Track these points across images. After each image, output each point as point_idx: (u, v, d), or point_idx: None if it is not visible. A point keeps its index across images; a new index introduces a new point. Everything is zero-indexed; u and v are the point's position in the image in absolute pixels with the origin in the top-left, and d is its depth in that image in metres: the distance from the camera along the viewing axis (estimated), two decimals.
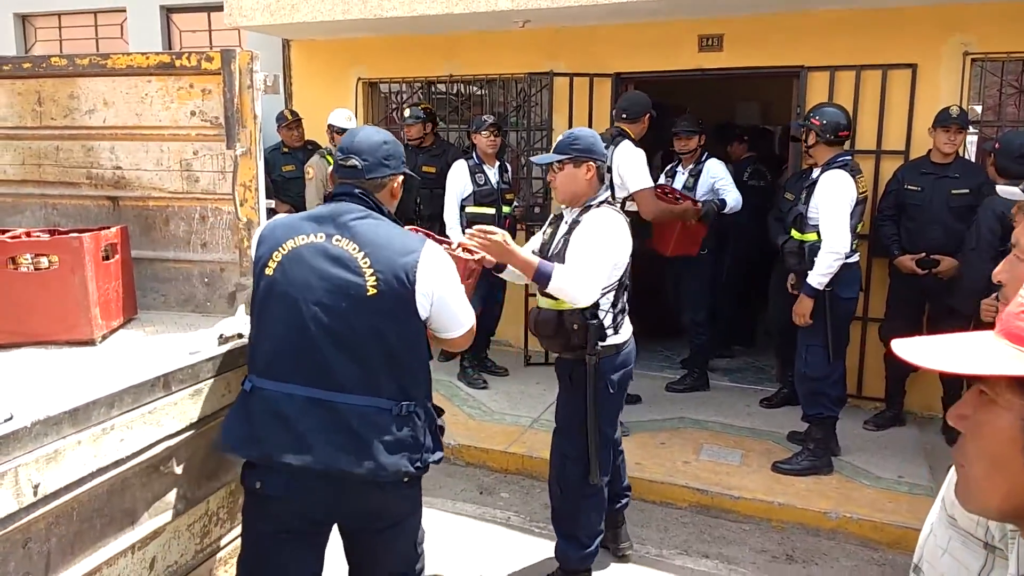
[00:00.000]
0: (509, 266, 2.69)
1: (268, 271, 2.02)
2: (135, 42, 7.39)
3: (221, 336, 2.27)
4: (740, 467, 4.18)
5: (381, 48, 6.25)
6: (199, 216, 2.75)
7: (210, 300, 2.78)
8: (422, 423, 2.03)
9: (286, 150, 6.22)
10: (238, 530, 2.26)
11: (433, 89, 6.52)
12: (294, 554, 2.06)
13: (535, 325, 2.96)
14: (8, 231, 2.49)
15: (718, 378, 5.61)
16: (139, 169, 2.75)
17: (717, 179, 5.07)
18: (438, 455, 2.09)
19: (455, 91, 6.43)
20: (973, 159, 4.81)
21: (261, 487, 2.01)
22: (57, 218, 2.86)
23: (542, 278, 2.67)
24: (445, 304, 2.06)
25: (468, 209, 5.13)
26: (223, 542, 2.34)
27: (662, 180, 5.24)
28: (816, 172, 4.02)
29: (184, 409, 2.06)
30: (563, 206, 3.01)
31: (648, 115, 4.49)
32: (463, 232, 4.52)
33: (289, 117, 6.18)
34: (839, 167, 3.89)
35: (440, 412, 2.16)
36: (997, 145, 4.05)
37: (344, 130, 5.36)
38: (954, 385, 4.30)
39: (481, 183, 5.13)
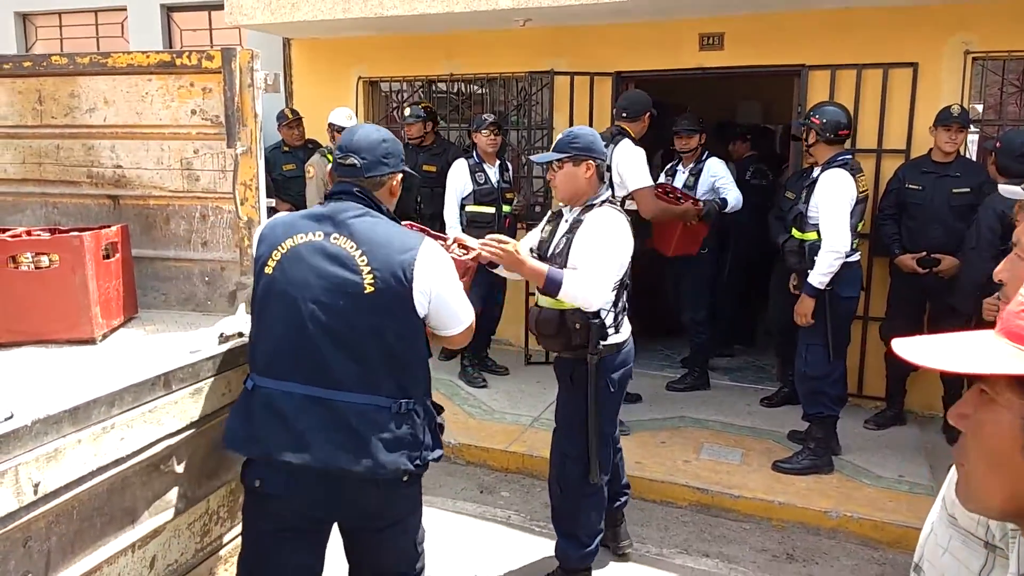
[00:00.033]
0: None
1: (268, 270, 2.02)
2: (136, 41, 7.39)
3: (221, 335, 2.27)
4: (740, 466, 4.18)
5: (382, 47, 6.25)
6: (200, 215, 2.75)
7: (211, 299, 2.78)
8: (421, 421, 2.03)
9: (287, 149, 6.22)
10: (238, 529, 2.27)
11: (434, 88, 6.53)
12: (294, 553, 2.07)
13: (536, 324, 2.95)
14: (9, 230, 2.49)
15: (718, 377, 5.60)
16: (140, 168, 2.75)
17: (717, 178, 5.07)
18: (438, 453, 2.09)
19: (456, 90, 6.43)
20: (974, 158, 4.80)
21: (261, 485, 2.01)
22: (58, 217, 2.86)
23: (553, 286, 2.67)
24: (443, 301, 2.06)
25: (468, 208, 5.13)
26: (223, 541, 2.34)
27: (662, 179, 5.24)
28: (816, 171, 4.02)
29: (184, 408, 2.06)
30: (563, 204, 3.01)
31: (648, 114, 4.48)
32: (463, 231, 4.52)
33: (290, 116, 6.18)
34: (839, 166, 3.89)
35: (440, 410, 2.16)
36: (998, 144, 4.04)
37: (344, 129, 5.35)
38: (955, 384, 4.30)
39: (481, 182, 5.13)
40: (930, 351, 0.81)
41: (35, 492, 1.59)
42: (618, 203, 3.85)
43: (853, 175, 3.87)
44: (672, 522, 3.82)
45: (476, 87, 6.43)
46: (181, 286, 2.81)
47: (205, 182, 2.70)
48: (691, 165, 5.16)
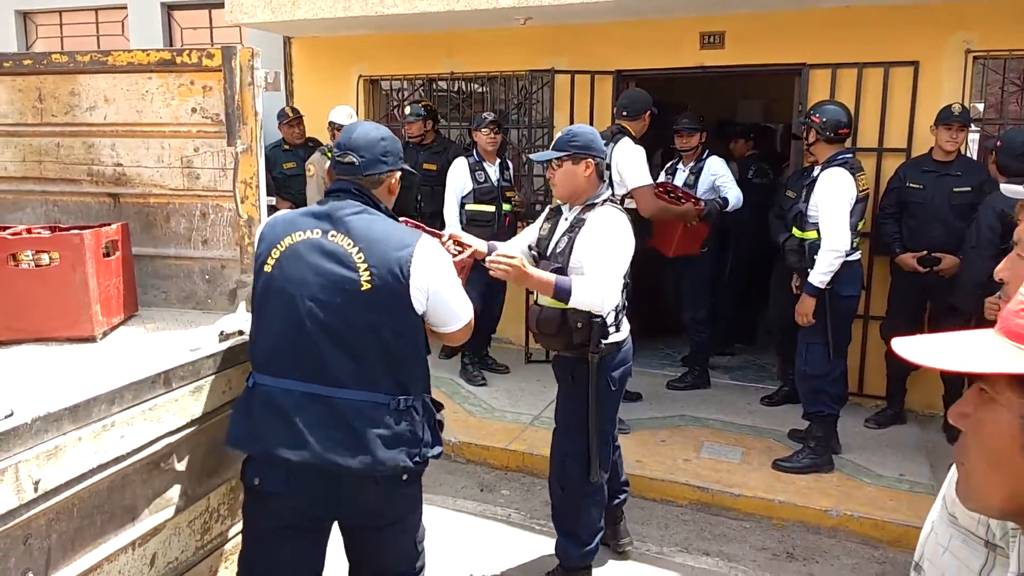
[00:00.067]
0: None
1: (267, 268, 2.02)
2: (136, 39, 7.38)
3: (222, 333, 2.27)
4: (741, 465, 4.18)
5: (382, 45, 6.24)
6: (200, 213, 2.75)
7: (211, 297, 2.78)
8: (420, 418, 2.03)
9: (287, 147, 6.22)
10: (239, 526, 2.27)
11: (434, 86, 6.52)
12: (294, 551, 2.07)
13: (537, 324, 2.93)
14: (9, 228, 2.49)
15: (719, 376, 5.60)
16: (140, 166, 2.75)
17: (718, 176, 5.07)
18: (437, 450, 2.09)
19: (456, 88, 6.43)
20: (975, 157, 4.80)
21: (260, 483, 2.01)
22: (58, 215, 2.86)
23: (562, 294, 2.67)
24: (441, 298, 2.06)
25: (468, 206, 5.13)
26: (224, 538, 2.34)
27: (663, 178, 5.24)
28: (817, 170, 4.02)
29: (185, 406, 2.06)
30: (562, 203, 3.00)
31: (649, 112, 4.48)
32: (462, 230, 4.52)
33: (290, 114, 6.18)
34: (839, 165, 3.88)
35: (439, 407, 2.15)
36: (999, 143, 4.04)
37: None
38: (955, 383, 4.29)
39: (481, 180, 5.13)
40: (930, 350, 0.81)
41: (35, 490, 1.59)
42: (618, 202, 3.85)
43: (853, 174, 3.87)
44: (672, 520, 3.82)
45: (476, 85, 6.43)
46: (181, 284, 2.81)
47: (205, 180, 2.70)
48: (691, 164, 5.16)
